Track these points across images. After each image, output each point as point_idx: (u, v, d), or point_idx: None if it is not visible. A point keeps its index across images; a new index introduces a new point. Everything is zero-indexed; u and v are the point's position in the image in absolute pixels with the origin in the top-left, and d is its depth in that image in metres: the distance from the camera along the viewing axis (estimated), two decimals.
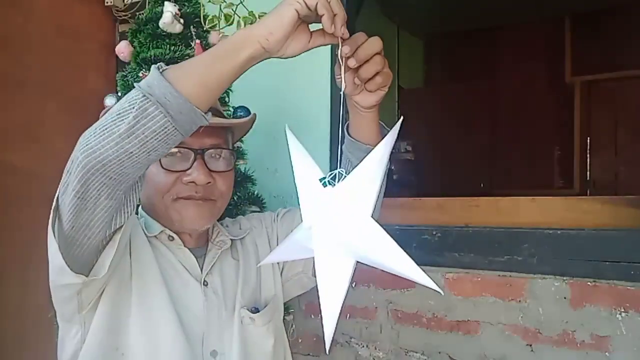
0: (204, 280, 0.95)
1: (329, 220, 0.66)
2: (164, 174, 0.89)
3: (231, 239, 1.02)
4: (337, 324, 0.66)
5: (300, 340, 1.59)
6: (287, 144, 0.73)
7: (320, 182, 0.69)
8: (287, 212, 1.12)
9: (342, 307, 0.67)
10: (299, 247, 0.72)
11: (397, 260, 0.68)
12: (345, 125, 0.89)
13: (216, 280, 0.96)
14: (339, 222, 0.66)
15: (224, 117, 0.98)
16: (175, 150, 0.88)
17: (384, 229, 0.67)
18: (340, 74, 0.72)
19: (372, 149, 0.81)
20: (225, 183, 0.94)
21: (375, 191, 0.67)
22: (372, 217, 0.67)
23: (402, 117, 0.73)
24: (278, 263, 1.07)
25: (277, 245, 1.07)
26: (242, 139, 1.38)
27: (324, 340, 0.65)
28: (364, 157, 0.68)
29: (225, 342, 0.93)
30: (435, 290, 0.65)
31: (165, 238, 0.94)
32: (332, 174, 0.68)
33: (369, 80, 0.73)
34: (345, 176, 0.67)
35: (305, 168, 0.71)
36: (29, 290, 1.59)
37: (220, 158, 0.93)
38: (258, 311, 0.97)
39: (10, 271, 1.64)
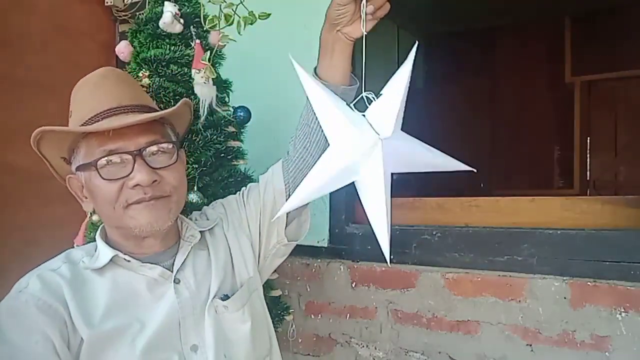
0: (176, 278, 0.94)
1: (368, 142, 0.71)
2: (107, 185, 0.86)
3: (200, 231, 1.01)
4: (390, 237, 0.74)
5: (300, 340, 1.59)
6: (297, 74, 0.75)
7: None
8: (249, 191, 1.10)
9: (390, 219, 0.74)
10: (334, 179, 0.75)
11: (438, 158, 0.79)
12: (314, 70, 0.91)
13: (188, 275, 0.95)
14: (382, 141, 0.71)
15: (156, 111, 0.95)
16: (112, 157, 0.86)
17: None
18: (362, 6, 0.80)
19: (346, 89, 0.89)
20: (175, 176, 0.91)
21: (403, 108, 0.73)
22: None
23: (416, 42, 0.77)
24: (252, 244, 1.06)
25: (250, 225, 1.07)
26: (242, 139, 1.38)
27: (383, 254, 0.73)
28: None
29: (204, 334, 0.92)
30: (470, 169, 0.78)
31: (122, 260, 0.91)
32: (357, 100, 0.75)
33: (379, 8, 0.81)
34: (379, 96, 0.74)
35: (323, 96, 0.75)
36: None
37: (162, 153, 0.90)
38: (228, 297, 0.96)
39: (9, 271, 1.64)
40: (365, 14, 0.80)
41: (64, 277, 0.88)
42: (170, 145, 0.92)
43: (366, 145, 0.71)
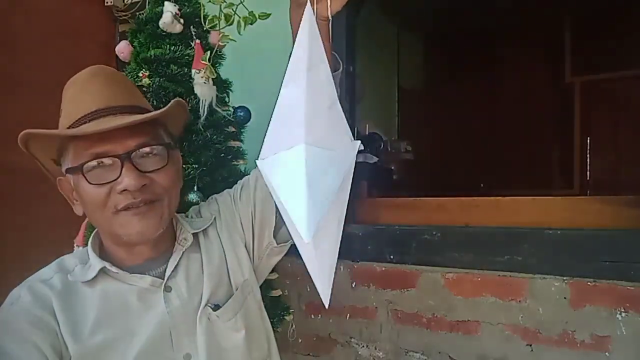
0: (167, 286, 0.91)
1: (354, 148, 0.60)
2: (94, 189, 0.84)
3: (194, 233, 0.98)
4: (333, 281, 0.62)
5: (300, 340, 1.59)
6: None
7: None
8: (242, 188, 1.07)
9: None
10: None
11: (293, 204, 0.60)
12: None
13: (180, 281, 0.93)
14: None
15: (148, 111, 0.91)
16: (99, 161, 0.83)
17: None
18: None
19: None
20: (166, 178, 0.88)
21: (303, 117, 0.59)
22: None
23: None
24: (246, 245, 1.03)
25: (243, 224, 1.04)
26: (242, 139, 1.38)
27: (321, 301, 0.62)
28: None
29: (196, 342, 0.90)
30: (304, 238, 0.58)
31: (111, 271, 0.89)
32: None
33: None
34: None
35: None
36: None
37: (153, 155, 0.87)
38: (219, 307, 0.94)
39: (10, 272, 1.64)
40: None
41: (55, 289, 0.87)
42: (161, 148, 0.89)
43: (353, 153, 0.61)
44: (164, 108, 0.90)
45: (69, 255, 0.98)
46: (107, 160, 0.83)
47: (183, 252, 0.95)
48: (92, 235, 0.95)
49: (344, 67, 0.87)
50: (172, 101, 0.93)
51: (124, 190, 0.83)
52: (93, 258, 0.91)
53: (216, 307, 0.94)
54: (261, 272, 1.09)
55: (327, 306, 0.66)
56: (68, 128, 0.86)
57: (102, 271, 0.89)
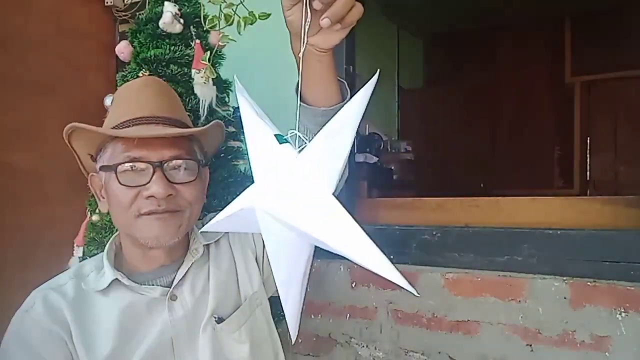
0: (173, 295, 0.93)
1: (286, 194, 0.59)
2: (123, 190, 0.87)
3: (205, 245, 1.00)
4: (301, 314, 0.61)
5: (300, 341, 1.59)
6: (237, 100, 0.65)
7: (277, 138, 0.64)
8: None
9: (304, 295, 0.60)
10: (248, 219, 0.65)
11: (360, 252, 0.58)
12: (295, 89, 0.82)
13: (186, 291, 0.94)
14: (297, 198, 0.58)
15: (187, 127, 0.96)
16: (133, 164, 0.87)
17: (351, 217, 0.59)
18: (302, 13, 0.67)
19: (332, 110, 0.77)
20: (191, 193, 0.91)
21: (342, 164, 0.59)
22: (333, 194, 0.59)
23: (379, 71, 0.67)
24: (256, 259, 1.05)
25: (255, 238, 1.05)
26: (242, 139, 1.38)
27: (289, 335, 0.59)
28: (325, 122, 0.64)
29: (199, 353, 0.91)
30: (409, 291, 0.56)
31: (124, 281, 0.91)
32: (291, 134, 0.64)
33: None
34: (306, 143, 0.61)
35: (258, 128, 0.66)
36: (29, 291, 1.59)
37: (183, 169, 0.91)
38: (222, 320, 0.95)
39: (10, 272, 1.64)
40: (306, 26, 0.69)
41: (68, 298, 0.89)
42: (193, 163, 0.92)
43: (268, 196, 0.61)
44: (204, 127, 0.95)
45: (86, 261, 1.00)
46: (140, 165, 0.87)
47: (193, 263, 0.97)
48: (109, 242, 0.97)
49: (350, 96, 0.83)
50: (212, 122, 0.98)
51: (151, 196, 0.86)
52: (107, 267, 0.93)
53: (220, 320, 0.95)
54: (270, 286, 1.09)
55: (293, 341, 0.67)
56: (112, 129, 0.90)
57: (116, 280, 0.91)
